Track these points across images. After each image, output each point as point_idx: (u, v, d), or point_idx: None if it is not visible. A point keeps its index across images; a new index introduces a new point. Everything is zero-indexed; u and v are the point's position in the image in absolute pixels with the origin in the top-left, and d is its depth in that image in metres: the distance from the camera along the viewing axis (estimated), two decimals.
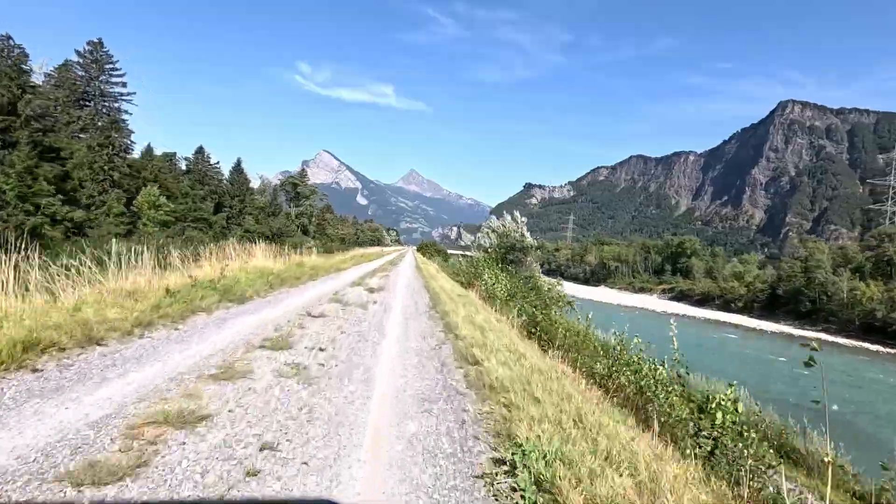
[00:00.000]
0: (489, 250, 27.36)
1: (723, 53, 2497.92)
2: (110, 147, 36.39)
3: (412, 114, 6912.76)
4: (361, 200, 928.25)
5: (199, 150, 49.04)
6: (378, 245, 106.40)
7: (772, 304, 52.86)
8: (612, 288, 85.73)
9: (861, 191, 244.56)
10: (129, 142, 39.18)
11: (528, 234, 29.78)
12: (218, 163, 50.59)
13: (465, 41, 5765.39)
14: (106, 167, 35.75)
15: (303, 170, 64.11)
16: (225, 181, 49.93)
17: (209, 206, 42.66)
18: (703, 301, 62.71)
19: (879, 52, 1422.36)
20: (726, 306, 58.84)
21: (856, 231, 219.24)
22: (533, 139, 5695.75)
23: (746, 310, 55.04)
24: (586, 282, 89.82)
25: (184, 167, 47.43)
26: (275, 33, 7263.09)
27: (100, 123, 37.71)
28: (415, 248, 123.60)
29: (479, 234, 32.23)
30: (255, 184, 56.13)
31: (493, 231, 30.31)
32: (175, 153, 48.53)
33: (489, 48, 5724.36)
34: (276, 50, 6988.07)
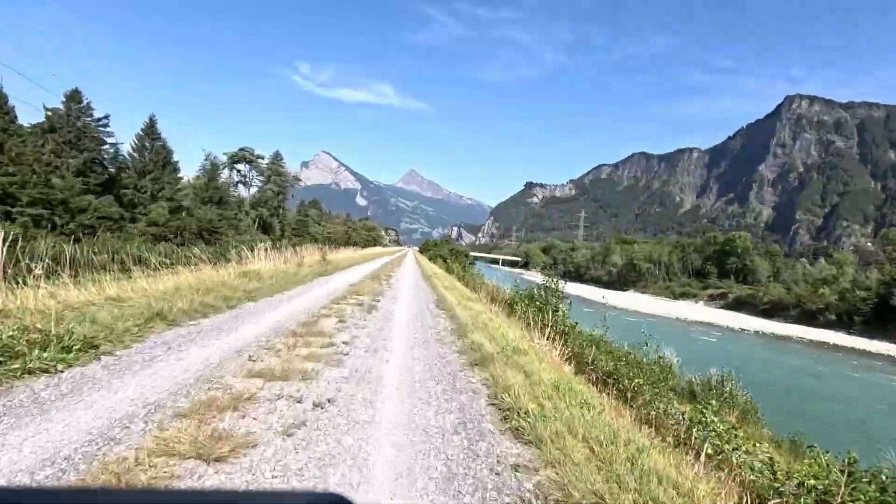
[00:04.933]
0: None
1: (727, 51, 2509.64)
2: None
3: (413, 113, 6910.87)
4: (361, 201, 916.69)
5: (73, 96, 31.12)
6: (375, 244, 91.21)
7: (881, 318, 41.05)
8: (643, 293, 74.89)
9: (873, 186, 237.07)
10: None
11: None
12: (107, 117, 32.82)
13: (467, 40, 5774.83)
14: None
15: (276, 152, 51.19)
16: (128, 152, 34.11)
17: (75, 183, 28.18)
18: (770, 311, 51.79)
19: (886, 45, 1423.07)
20: (807, 318, 46.92)
21: (869, 228, 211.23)
22: (534, 137, 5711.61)
23: (841, 324, 43.55)
24: (610, 285, 78.84)
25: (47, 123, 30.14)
26: (275, 33, 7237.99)
27: None
28: (416, 248, 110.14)
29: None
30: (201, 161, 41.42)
31: None
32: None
33: (491, 47, 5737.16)
34: (275, 50, 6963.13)
